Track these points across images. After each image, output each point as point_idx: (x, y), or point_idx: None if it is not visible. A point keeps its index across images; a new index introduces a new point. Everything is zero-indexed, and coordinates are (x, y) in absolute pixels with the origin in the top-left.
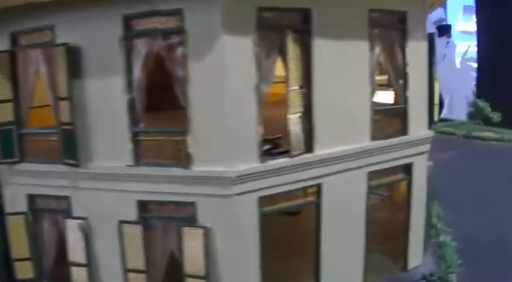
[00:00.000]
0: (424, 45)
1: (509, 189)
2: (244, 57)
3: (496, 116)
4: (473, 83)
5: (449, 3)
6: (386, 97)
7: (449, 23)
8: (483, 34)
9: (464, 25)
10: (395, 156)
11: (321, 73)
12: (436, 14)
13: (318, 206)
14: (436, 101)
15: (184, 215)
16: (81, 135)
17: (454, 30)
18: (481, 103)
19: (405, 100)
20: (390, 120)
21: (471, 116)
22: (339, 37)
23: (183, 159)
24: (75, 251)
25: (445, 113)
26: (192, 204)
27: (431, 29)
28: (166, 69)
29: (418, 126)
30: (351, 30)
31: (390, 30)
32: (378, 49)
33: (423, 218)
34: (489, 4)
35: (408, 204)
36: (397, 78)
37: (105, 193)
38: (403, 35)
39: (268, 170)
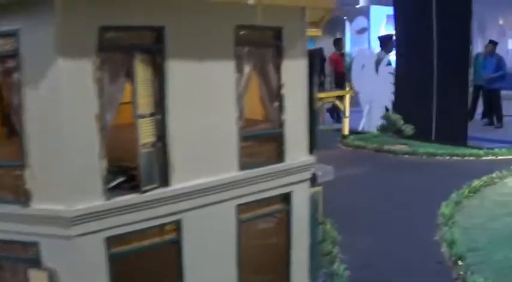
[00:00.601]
0: (303, 64)
1: (417, 207)
2: (83, 83)
3: (408, 129)
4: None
5: (372, 12)
6: (260, 121)
7: (371, 31)
8: (400, 44)
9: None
10: (271, 186)
11: (177, 98)
12: (358, 23)
13: (177, 244)
14: (347, 114)
15: (29, 256)
16: None
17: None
18: (393, 115)
19: (281, 124)
20: (263, 147)
21: (383, 128)
22: (199, 57)
23: (22, 195)
24: None
25: (364, 124)
26: (36, 244)
27: (355, 38)
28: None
29: (297, 152)
30: (213, 49)
31: (262, 48)
32: (247, 69)
33: (306, 248)
34: (406, 16)
35: (288, 236)
36: (272, 100)
37: None
38: (278, 53)
39: (114, 207)
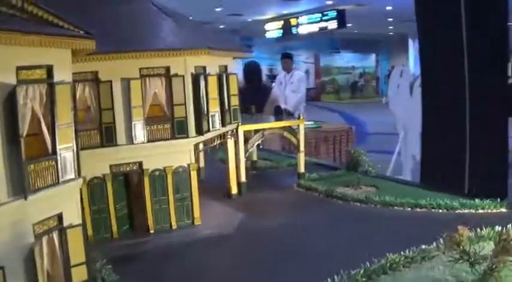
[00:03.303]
0: None
1: None
2: None
3: (372, 169)
4: None
5: None
6: None
7: None
8: (426, 67)
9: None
10: None
11: None
12: None
13: None
14: (302, 148)
15: None
16: None
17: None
18: (357, 151)
19: None
20: None
21: (348, 166)
22: None
23: None
24: None
25: (399, 151)
26: None
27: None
28: None
29: None
30: None
31: None
32: None
33: None
34: (433, 37)
35: None
36: None
37: None
38: None
39: None
